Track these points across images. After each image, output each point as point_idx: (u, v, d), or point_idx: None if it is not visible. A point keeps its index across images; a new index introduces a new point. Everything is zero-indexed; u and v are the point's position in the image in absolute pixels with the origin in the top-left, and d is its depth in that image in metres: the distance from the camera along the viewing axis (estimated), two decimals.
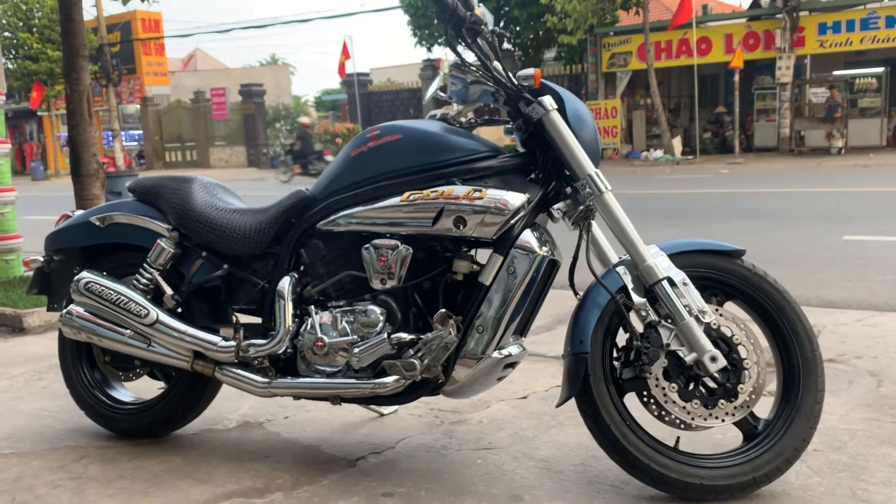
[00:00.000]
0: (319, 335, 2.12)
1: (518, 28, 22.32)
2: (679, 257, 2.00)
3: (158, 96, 30.47)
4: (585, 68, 21.48)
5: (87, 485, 2.22)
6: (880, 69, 18.10)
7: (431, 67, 25.25)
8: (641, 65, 19.41)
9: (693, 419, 1.94)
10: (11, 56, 25.23)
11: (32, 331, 4.21)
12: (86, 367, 2.60)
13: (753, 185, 11.57)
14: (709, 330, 1.94)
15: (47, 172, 29.09)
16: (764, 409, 2.03)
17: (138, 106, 30.00)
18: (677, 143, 18.78)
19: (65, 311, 2.47)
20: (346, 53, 22.70)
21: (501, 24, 21.90)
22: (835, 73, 19.12)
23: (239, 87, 28.60)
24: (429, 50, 24.93)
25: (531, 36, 22.53)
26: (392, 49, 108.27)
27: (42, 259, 2.58)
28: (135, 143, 30.45)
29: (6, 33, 25.31)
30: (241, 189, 2.67)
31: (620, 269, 2.00)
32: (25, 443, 2.56)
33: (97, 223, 2.47)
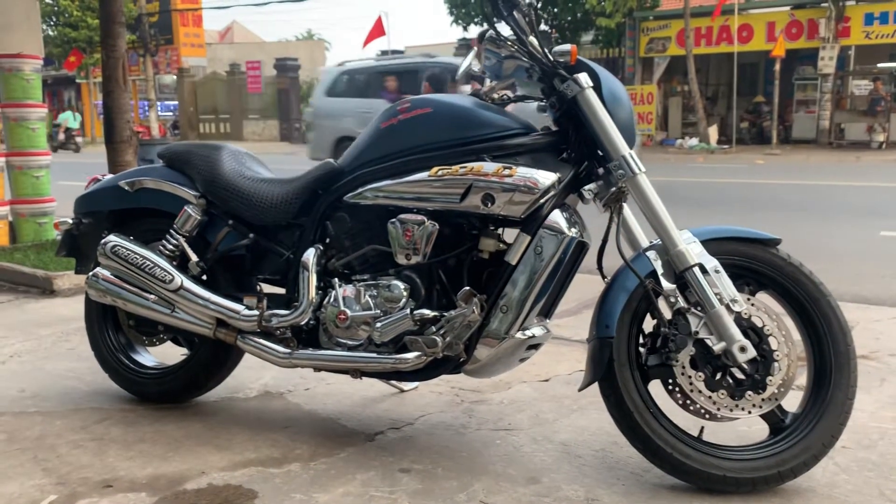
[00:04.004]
0: (342, 308, 2.11)
1: (556, 9, 22.04)
2: (712, 244, 1.95)
3: (195, 67, 30.64)
4: (623, 52, 21.18)
5: (108, 446, 2.24)
6: None
7: (466, 46, 25.02)
8: (680, 51, 19.08)
9: (719, 410, 1.90)
10: (52, 23, 25.51)
11: (62, 293, 4.26)
12: (111, 330, 2.62)
13: (789, 177, 11.34)
14: (739, 319, 1.89)
15: (83, 140, 29.44)
16: (792, 402, 1.98)
17: (174, 76, 30.19)
18: (713, 131, 18.47)
19: (91, 273, 2.49)
20: (381, 30, 22.57)
21: (539, 3, 21.63)
22: (879, 65, 18.63)
23: (274, 60, 28.63)
24: (464, 29, 24.71)
25: (569, 18, 22.20)
26: (428, 27, 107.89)
27: (71, 221, 2.60)
28: (170, 114, 30.65)
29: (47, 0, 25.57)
30: (272, 163, 2.65)
31: (651, 254, 1.96)
32: (50, 402, 2.60)
33: (126, 187, 2.47)
